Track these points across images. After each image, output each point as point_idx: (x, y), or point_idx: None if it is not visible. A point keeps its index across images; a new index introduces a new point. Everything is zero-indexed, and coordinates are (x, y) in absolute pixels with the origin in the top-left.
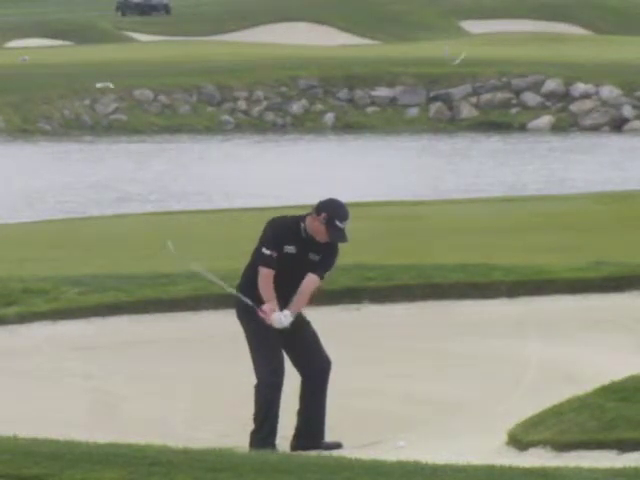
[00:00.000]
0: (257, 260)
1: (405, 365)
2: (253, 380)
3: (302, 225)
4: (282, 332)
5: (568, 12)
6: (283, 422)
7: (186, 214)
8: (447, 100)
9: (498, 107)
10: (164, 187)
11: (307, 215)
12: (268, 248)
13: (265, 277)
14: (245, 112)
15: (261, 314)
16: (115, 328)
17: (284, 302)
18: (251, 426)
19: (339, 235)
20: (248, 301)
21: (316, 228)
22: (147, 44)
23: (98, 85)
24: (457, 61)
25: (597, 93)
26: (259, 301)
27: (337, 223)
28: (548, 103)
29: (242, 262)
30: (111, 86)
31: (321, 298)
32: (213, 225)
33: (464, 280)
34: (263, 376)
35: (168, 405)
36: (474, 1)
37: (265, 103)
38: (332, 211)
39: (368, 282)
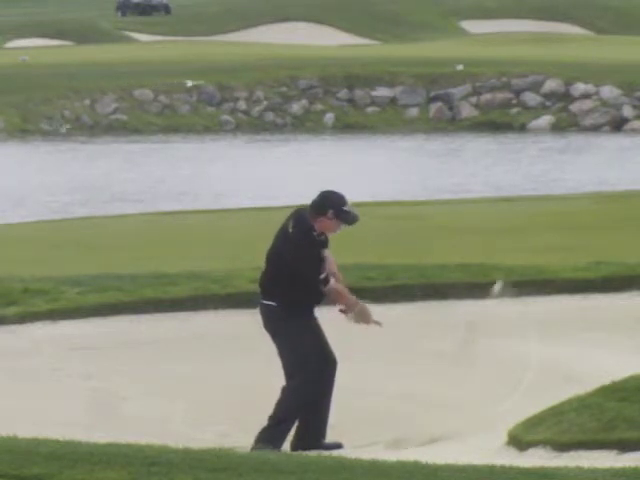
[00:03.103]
0: (309, 280)
1: (405, 365)
2: (253, 380)
3: (315, 226)
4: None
5: (568, 12)
6: None
7: (186, 214)
8: (447, 100)
9: (498, 107)
10: (164, 187)
11: (311, 220)
12: (320, 272)
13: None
14: (245, 112)
15: (342, 310)
16: (115, 328)
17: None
18: (252, 425)
19: (352, 217)
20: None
21: (328, 226)
22: (147, 44)
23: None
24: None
25: (597, 93)
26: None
27: (345, 209)
28: (548, 103)
29: (243, 262)
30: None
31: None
32: (213, 225)
33: (464, 280)
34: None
35: (168, 405)
36: (474, 1)
37: (265, 103)
38: (334, 203)
39: (368, 282)
